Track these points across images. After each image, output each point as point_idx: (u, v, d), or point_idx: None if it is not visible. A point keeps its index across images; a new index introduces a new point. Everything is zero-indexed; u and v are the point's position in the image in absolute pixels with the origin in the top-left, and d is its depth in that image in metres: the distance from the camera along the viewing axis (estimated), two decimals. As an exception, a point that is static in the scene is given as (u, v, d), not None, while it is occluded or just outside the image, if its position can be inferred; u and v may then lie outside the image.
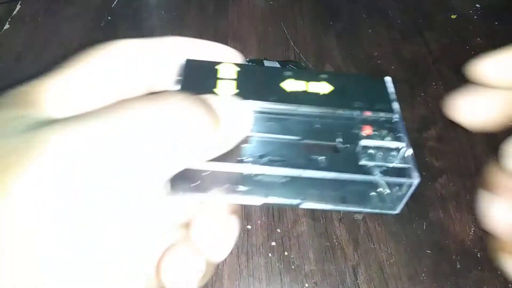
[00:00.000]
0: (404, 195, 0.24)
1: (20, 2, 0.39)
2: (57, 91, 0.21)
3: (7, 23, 0.38)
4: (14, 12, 0.39)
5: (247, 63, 0.27)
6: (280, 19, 0.41)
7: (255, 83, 0.26)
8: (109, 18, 0.40)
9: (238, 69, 0.27)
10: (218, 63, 0.27)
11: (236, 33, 0.39)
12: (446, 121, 0.35)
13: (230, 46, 0.30)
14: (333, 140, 0.26)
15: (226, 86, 0.25)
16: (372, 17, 0.40)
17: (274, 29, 0.40)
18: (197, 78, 0.26)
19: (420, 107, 0.34)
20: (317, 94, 0.25)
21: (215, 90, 0.25)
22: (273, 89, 0.26)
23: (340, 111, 0.24)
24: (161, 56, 0.25)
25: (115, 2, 0.41)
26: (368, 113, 0.24)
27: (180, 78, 0.25)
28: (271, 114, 0.24)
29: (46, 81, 0.21)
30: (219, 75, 0.26)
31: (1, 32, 0.37)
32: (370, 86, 0.26)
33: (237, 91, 0.26)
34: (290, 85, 0.26)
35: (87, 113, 0.15)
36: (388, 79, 0.27)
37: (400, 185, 0.24)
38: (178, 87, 0.25)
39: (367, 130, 0.25)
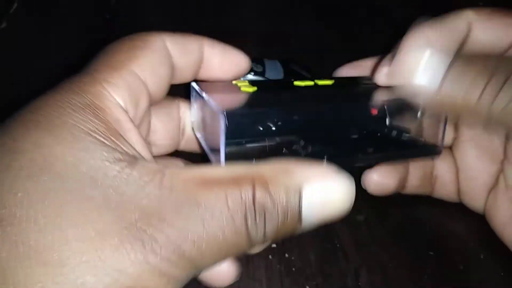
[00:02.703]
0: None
1: (17, 0, 0.39)
2: (125, 93, 0.20)
3: (4, 21, 0.37)
4: (11, 11, 0.38)
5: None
6: (280, 17, 0.41)
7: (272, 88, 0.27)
8: (108, 16, 0.39)
9: (255, 88, 0.28)
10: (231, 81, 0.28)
11: (236, 31, 0.38)
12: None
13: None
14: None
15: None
16: (374, 15, 0.40)
17: (274, 27, 0.40)
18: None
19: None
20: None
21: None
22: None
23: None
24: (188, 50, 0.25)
25: (114, 0, 0.40)
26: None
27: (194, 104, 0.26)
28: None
29: (108, 77, 0.20)
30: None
31: (-2, 30, 0.37)
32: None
33: (255, 88, 0.27)
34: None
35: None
36: None
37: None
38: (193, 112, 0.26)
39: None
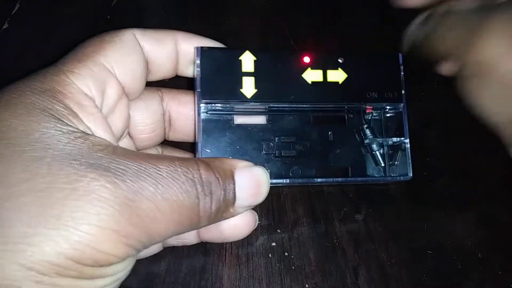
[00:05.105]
0: (405, 158, 0.26)
1: (19, 1, 0.39)
2: (90, 81, 0.20)
3: (6, 22, 0.37)
4: (13, 12, 0.38)
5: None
6: (280, 18, 0.41)
7: (274, 78, 0.26)
8: (109, 17, 0.40)
9: (255, 58, 0.26)
10: (238, 52, 0.26)
11: (236, 32, 0.39)
12: (448, 121, 0.35)
13: (230, 46, 0.29)
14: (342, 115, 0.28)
15: (248, 84, 0.25)
16: (374, 15, 0.40)
17: (274, 28, 0.40)
18: (219, 72, 0.25)
19: (423, 106, 0.34)
20: (335, 84, 0.26)
21: (242, 90, 0.25)
22: (294, 83, 0.26)
23: (353, 105, 0.26)
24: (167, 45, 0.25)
25: (114, 1, 0.40)
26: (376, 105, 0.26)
27: (198, 69, 0.25)
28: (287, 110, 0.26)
29: (72, 68, 0.20)
30: (243, 69, 0.25)
31: (0, 31, 0.37)
32: (383, 68, 0.28)
33: (255, 91, 0.26)
34: (310, 76, 0.27)
35: None
36: (400, 56, 0.28)
37: (396, 149, 0.27)
38: (198, 78, 0.25)
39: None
